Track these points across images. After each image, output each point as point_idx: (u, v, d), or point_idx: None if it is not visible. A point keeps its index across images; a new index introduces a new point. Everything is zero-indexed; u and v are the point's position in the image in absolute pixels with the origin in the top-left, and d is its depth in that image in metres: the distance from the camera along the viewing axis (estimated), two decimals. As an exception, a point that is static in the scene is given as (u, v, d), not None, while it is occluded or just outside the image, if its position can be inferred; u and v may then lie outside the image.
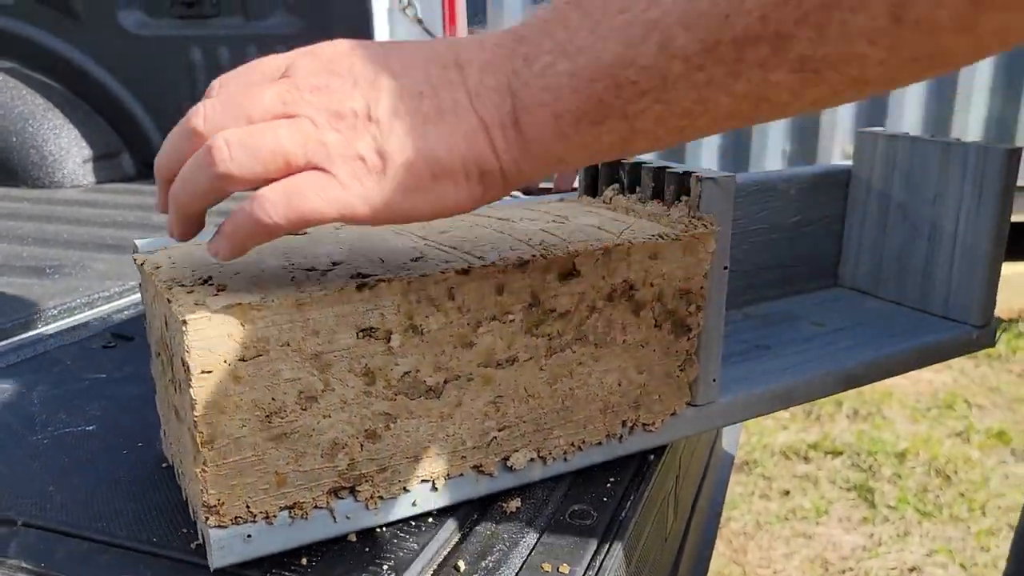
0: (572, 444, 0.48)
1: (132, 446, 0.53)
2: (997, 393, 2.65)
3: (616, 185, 0.56)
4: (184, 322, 0.37)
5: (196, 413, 0.38)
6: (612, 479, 0.49)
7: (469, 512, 0.46)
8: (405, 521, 0.44)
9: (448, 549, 0.43)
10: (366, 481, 0.43)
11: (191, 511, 0.45)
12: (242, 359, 0.38)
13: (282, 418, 0.40)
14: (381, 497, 0.44)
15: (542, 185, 1.05)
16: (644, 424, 0.50)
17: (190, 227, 0.38)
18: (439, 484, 0.45)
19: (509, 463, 0.47)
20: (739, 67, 0.30)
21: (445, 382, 0.43)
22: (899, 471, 2.32)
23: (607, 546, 0.43)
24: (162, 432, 0.51)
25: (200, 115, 0.36)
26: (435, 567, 0.41)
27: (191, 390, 0.38)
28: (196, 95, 1.68)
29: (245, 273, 0.41)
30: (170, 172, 0.38)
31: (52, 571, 0.40)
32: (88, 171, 1.66)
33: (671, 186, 0.51)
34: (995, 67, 2.84)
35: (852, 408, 2.57)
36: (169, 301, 0.39)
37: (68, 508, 0.46)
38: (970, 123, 2.89)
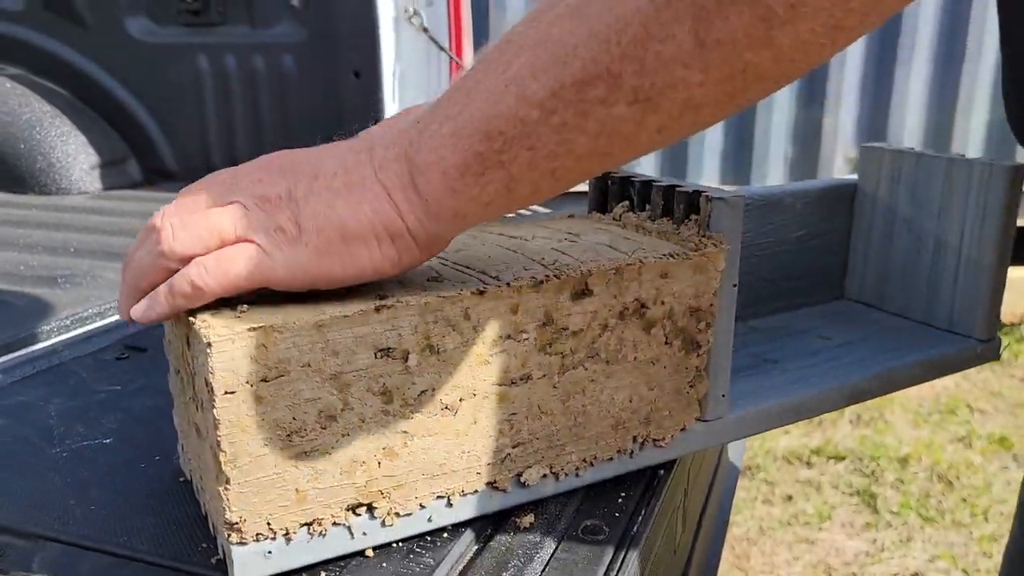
0: (584, 460, 0.49)
1: (149, 459, 0.54)
2: (999, 398, 2.65)
3: (626, 202, 0.57)
4: (209, 344, 0.38)
5: (219, 432, 0.39)
6: (623, 494, 0.50)
7: (483, 527, 0.47)
8: (420, 536, 0.45)
9: (463, 564, 0.44)
10: (383, 497, 0.44)
11: (211, 526, 0.46)
12: (264, 380, 0.39)
13: (302, 437, 0.41)
14: (398, 513, 0.44)
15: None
16: (655, 440, 0.51)
17: (136, 302, 0.43)
18: (454, 500, 0.46)
19: (522, 479, 0.47)
20: (584, 106, 0.34)
21: (461, 400, 0.44)
22: (902, 476, 2.33)
23: (620, 562, 0.44)
24: (180, 447, 0.52)
25: (159, 214, 0.42)
26: (452, 583, 0.42)
27: (215, 410, 0.39)
28: (202, 102, 1.69)
29: (265, 294, 0.42)
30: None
31: (76, 586, 0.41)
32: (95, 178, 1.67)
33: (681, 205, 0.52)
34: (996, 71, 2.84)
35: (854, 413, 2.58)
36: (192, 322, 0.40)
37: (89, 522, 0.47)
38: (971, 129, 2.89)
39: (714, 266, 0.49)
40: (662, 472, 0.53)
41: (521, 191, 0.38)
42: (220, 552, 0.44)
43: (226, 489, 0.40)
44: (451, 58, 1.50)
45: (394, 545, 0.45)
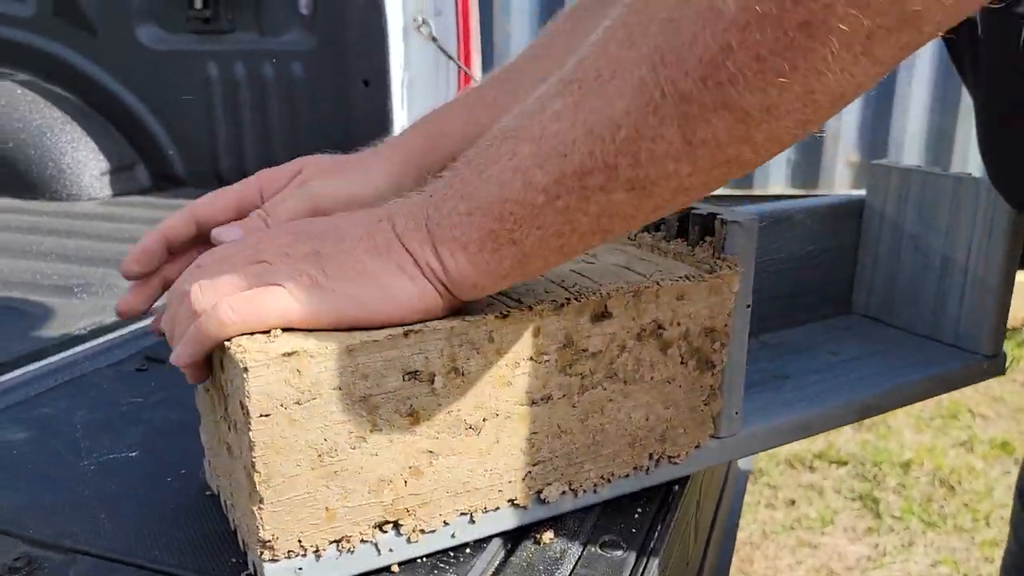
0: (602, 477, 0.50)
1: (175, 473, 0.56)
2: (1001, 403, 2.67)
3: (641, 223, 0.58)
4: (246, 369, 0.39)
5: (254, 454, 0.40)
6: (639, 510, 0.51)
7: (504, 542, 0.48)
8: (444, 552, 0.47)
9: (487, 580, 0.45)
10: (409, 515, 0.45)
11: (240, 542, 0.47)
12: (298, 403, 0.41)
13: (333, 457, 0.42)
14: (422, 530, 0.46)
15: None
16: (670, 456, 0.52)
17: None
18: (477, 517, 0.47)
19: (542, 496, 0.49)
20: (586, 192, 0.38)
21: (484, 420, 0.46)
22: (904, 481, 2.34)
23: (638, 577, 0.45)
24: (206, 462, 0.54)
25: (186, 278, 0.45)
26: (477, 599, 0.43)
27: (250, 432, 0.40)
28: (211, 109, 1.70)
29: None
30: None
31: (113, 601, 0.43)
32: (105, 184, 1.68)
33: (696, 227, 0.53)
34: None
35: (857, 418, 2.58)
36: (227, 347, 0.41)
37: (120, 536, 0.49)
38: (973, 135, 2.90)
39: (729, 288, 0.50)
40: (676, 487, 0.54)
41: (533, 264, 0.41)
42: (250, 567, 0.45)
43: (260, 508, 0.41)
44: (459, 67, 1.52)
45: (418, 560, 0.46)
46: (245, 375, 0.39)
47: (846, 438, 2.55)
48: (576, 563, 0.46)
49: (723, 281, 0.50)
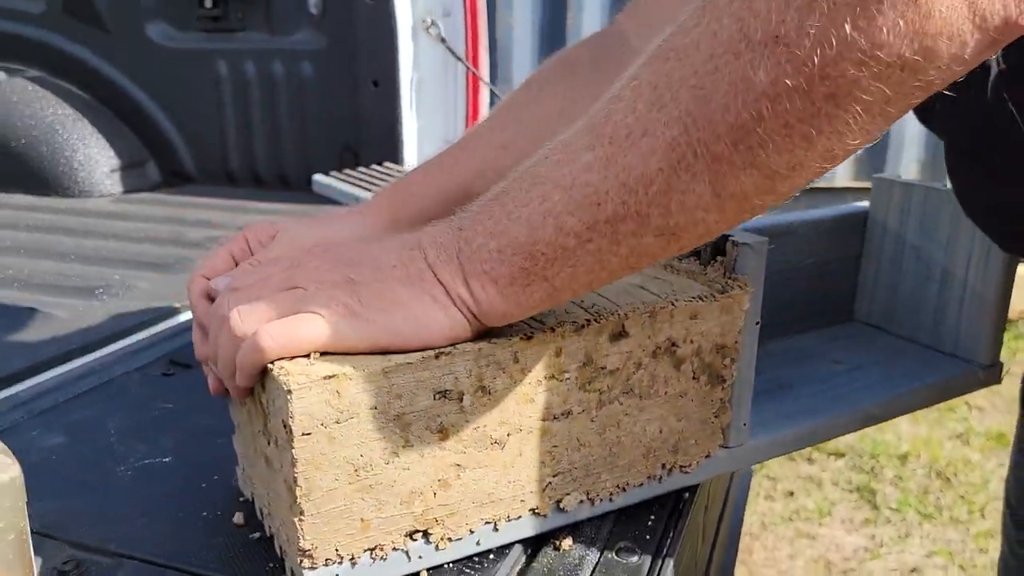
0: (617, 486, 0.53)
1: (209, 479, 0.58)
2: (997, 395, 2.70)
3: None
4: (289, 391, 0.42)
5: (296, 470, 0.43)
6: (652, 516, 0.54)
7: (524, 549, 0.51)
8: (468, 558, 0.49)
9: (510, 585, 0.48)
10: (438, 524, 0.48)
11: (277, 548, 0.50)
12: (337, 422, 0.43)
13: (368, 471, 0.45)
14: (450, 538, 0.48)
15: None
16: (682, 466, 0.55)
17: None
18: (500, 525, 0.50)
19: (561, 505, 0.51)
20: (617, 237, 0.40)
21: (508, 435, 0.48)
22: (900, 473, 2.38)
23: (653, 583, 0.48)
24: (239, 469, 0.56)
25: (223, 302, 0.47)
26: (504, 605, 0.46)
27: (293, 450, 0.42)
28: (221, 107, 1.72)
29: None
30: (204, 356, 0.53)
31: (161, 604, 0.45)
32: (116, 180, 1.70)
33: (708, 247, 0.56)
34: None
35: (855, 410, 2.61)
36: (270, 369, 0.44)
37: (161, 540, 0.51)
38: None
39: (739, 307, 0.53)
40: (687, 494, 0.57)
41: (562, 296, 0.44)
42: (288, 573, 0.48)
43: (300, 519, 0.44)
44: (468, 68, 1.53)
45: (445, 566, 0.49)
46: (289, 397, 0.41)
47: (844, 431, 2.57)
48: (594, 569, 0.49)
49: (734, 300, 0.52)
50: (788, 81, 0.33)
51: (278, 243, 0.57)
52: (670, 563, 0.51)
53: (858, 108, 0.34)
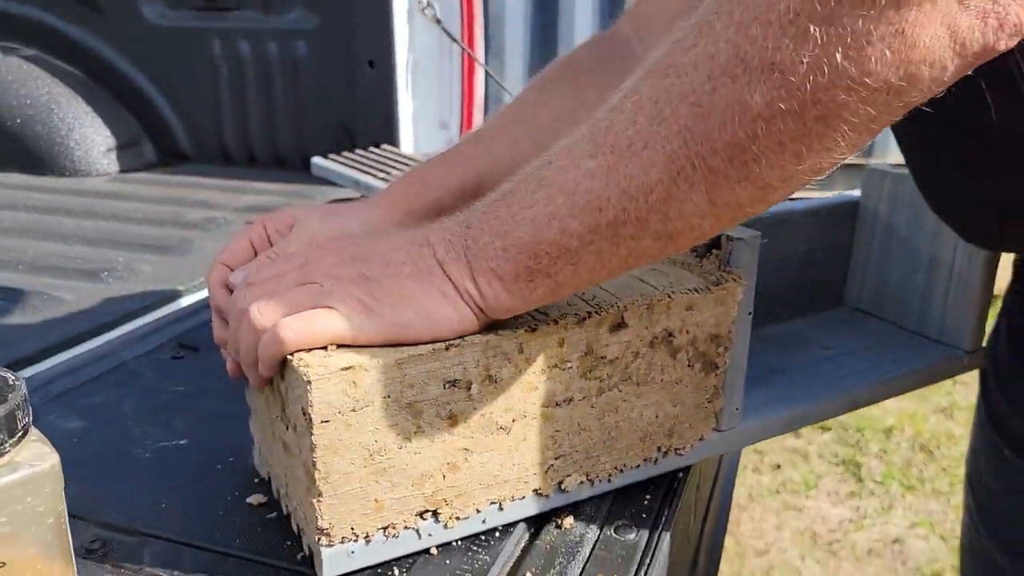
0: (615, 467, 0.56)
1: (224, 461, 0.61)
2: (980, 371, 2.74)
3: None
4: (309, 382, 0.44)
5: (315, 455, 0.45)
6: (648, 496, 0.57)
7: (528, 527, 0.54)
8: (475, 537, 0.52)
9: (514, 561, 0.51)
10: (446, 504, 0.51)
11: (294, 526, 0.52)
12: (353, 410, 0.46)
13: (382, 456, 0.47)
14: (458, 517, 0.51)
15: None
16: (676, 449, 0.58)
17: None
18: (505, 505, 0.53)
19: (563, 486, 0.54)
20: (617, 239, 0.43)
21: (513, 421, 0.51)
22: (885, 446, 2.43)
23: (649, 559, 0.51)
24: (256, 450, 0.59)
25: (241, 296, 0.50)
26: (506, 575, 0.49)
27: (312, 436, 0.45)
28: (216, 86, 1.72)
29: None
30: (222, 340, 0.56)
31: (186, 579, 0.48)
32: (112, 160, 1.71)
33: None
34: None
35: (842, 385, 2.66)
36: (290, 360, 0.46)
37: (183, 520, 0.54)
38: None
39: (733, 299, 0.55)
40: (681, 475, 0.60)
41: (564, 291, 0.47)
42: (306, 550, 0.51)
43: (319, 501, 0.46)
44: (463, 49, 1.54)
45: (453, 544, 0.52)
46: (308, 387, 0.44)
47: (831, 406, 2.62)
48: (594, 546, 0.52)
49: (728, 293, 0.55)
50: (782, 105, 0.36)
51: (295, 235, 0.59)
52: (665, 539, 0.54)
53: (846, 127, 0.36)
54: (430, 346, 0.47)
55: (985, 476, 0.79)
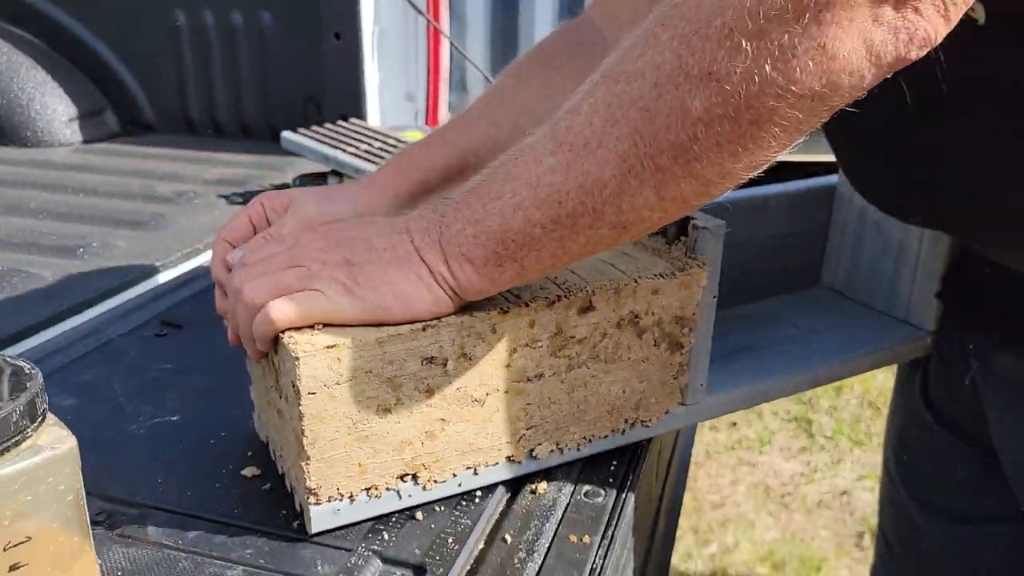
0: (584, 438, 0.61)
1: (217, 436, 0.65)
2: (926, 330, 2.85)
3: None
4: (297, 358, 0.49)
5: (303, 423, 0.51)
6: (615, 462, 0.63)
7: (506, 491, 0.59)
8: (457, 502, 0.57)
9: (493, 523, 0.56)
10: (425, 469, 0.56)
11: (288, 485, 0.59)
12: (337, 383, 0.51)
13: (365, 425, 0.53)
14: (435, 481, 0.57)
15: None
16: (643, 421, 0.63)
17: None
18: (480, 470, 0.58)
19: (534, 453, 0.60)
20: (577, 228, 0.49)
21: (487, 394, 0.56)
22: (836, 403, 2.53)
23: (615, 519, 0.57)
24: (255, 415, 0.66)
25: (237, 276, 0.55)
26: (486, 538, 0.54)
27: (300, 406, 0.51)
28: (181, 56, 1.72)
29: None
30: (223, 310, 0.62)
31: (188, 547, 0.53)
32: (75, 130, 1.71)
33: (672, 227, 0.63)
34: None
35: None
36: (281, 337, 0.50)
37: (183, 492, 0.59)
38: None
39: (698, 283, 0.60)
40: (645, 443, 0.65)
41: (530, 275, 0.53)
42: (298, 508, 0.56)
43: (307, 464, 0.52)
44: (428, 22, 1.55)
45: (437, 509, 0.57)
46: (297, 362, 0.49)
47: (785, 365, 2.71)
48: (566, 509, 0.58)
49: (692, 278, 0.60)
50: (719, 110, 0.42)
51: (291, 216, 0.64)
52: (631, 501, 0.60)
53: (777, 129, 0.43)
54: (409, 326, 0.52)
55: (910, 443, 0.86)
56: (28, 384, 0.43)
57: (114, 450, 0.64)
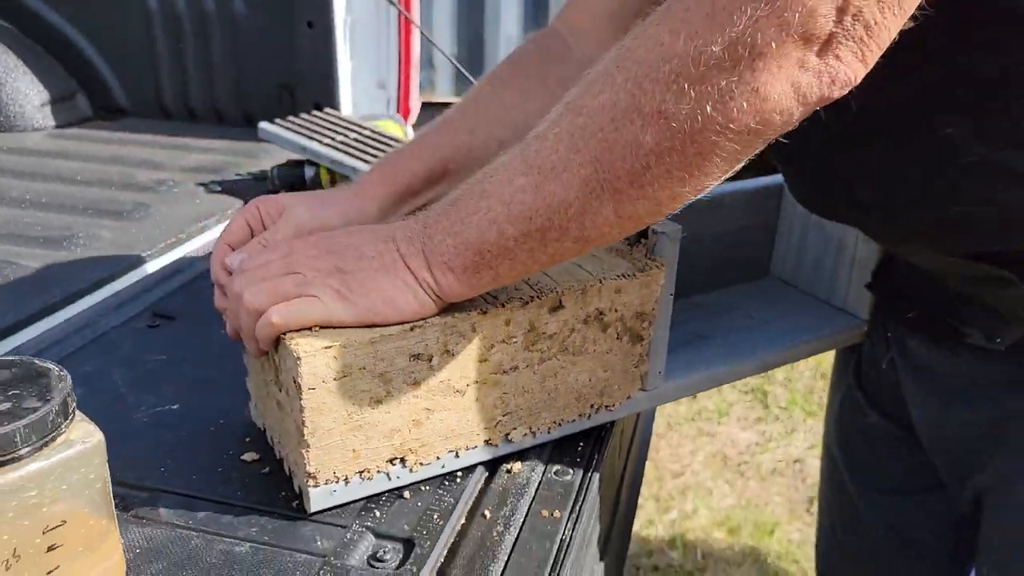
0: (554, 422, 0.67)
1: (216, 423, 0.70)
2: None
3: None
4: (298, 358, 0.54)
5: (304, 415, 0.56)
6: (581, 443, 0.69)
7: (483, 473, 0.65)
8: (441, 482, 0.63)
9: (473, 500, 0.62)
10: (412, 453, 0.62)
11: (286, 469, 0.64)
12: (334, 379, 0.56)
13: (359, 415, 0.58)
14: (421, 463, 0.63)
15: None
16: (607, 406, 0.70)
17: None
18: (461, 453, 0.64)
19: (509, 437, 0.66)
20: (545, 242, 0.55)
21: (467, 385, 0.62)
22: (790, 376, 2.64)
23: (583, 495, 0.63)
24: (251, 404, 0.71)
25: (238, 281, 0.60)
26: (468, 514, 0.60)
27: (301, 400, 0.56)
28: (153, 42, 1.72)
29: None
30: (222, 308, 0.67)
31: (199, 526, 0.58)
32: (47, 114, 1.71)
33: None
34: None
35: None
36: (283, 339, 0.55)
37: (188, 476, 0.64)
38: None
39: (656, 283, 0.66)
40: (608, 426, 0.71)
41: (504, 280, 0.59)
42: (297, 490, 0.61)
43: (307, 451, 0.57)
44: (400, 12, 1.58)
45: (422, 488, 0.63)
46: (298, 361, 0.54)
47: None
48: (538, 486, 0.64)
49: (652, 278, 0.66)
50: (667, 144, 0.48)
51: (284, 222, 0.69)
52: (596, 478, 0.66)
53: (718, 159, 0.49)
54: (398, 327, 0.58)
55: (846, 423, 0.94)
56: (60, 386, 0.48)
57: (121, 438, 0.68)
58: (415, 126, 1.75)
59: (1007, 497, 0.74)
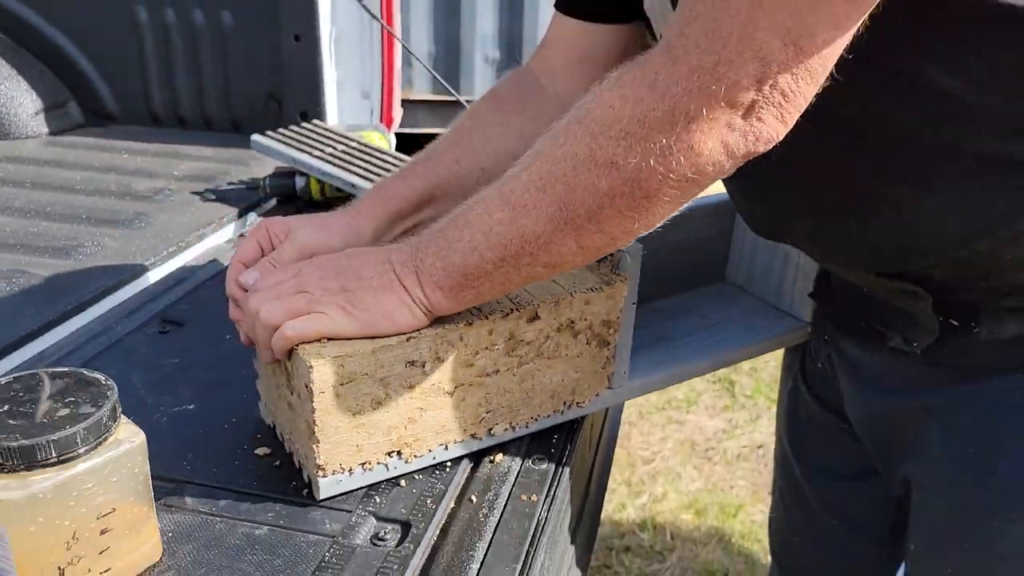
0: (532, 417, 0.76)
1: (230, 421, 0.78)
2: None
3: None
4: (311, 367, 0.62)
5: (315, 416, 0.64)
6: (556, 435, 0.78)
7: (469, 463, 0.73)
8: (432, 471, 0.71)
9: (461, 487, 0.70)
10: (407, 447, 0.70)
11: (296, 462, 0.72)
12: (341, 384, 0.64)
13: (361, 414, 0.67)
14: (415, 456, 0.71)
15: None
16: (578, 403, 0.78)
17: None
18: (450, 446, 0.73)
19: (492, 432, 0.74)
20: (519, 266, 0.64)
21: (456, 387, 0.70)
22: (756, 365, 2.74)
23: (557, 481, 0.72)
24: (262, 403, 0.78)
25: (255, 299, 0.68)
26: (456, 499, 0.68)
27: (312, 403, 0.64)
28: (143, 52, 1.78)
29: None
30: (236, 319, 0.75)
31: (221, 513, 0.66)
32: (41, 121, 1.76)
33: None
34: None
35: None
36: (295, 349, 0.63)
37: (209, 469, 0.72)
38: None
39: (620, 294, 0.75)
40: (579, 420, 0.80)
41: (486, 297, 0.69)
42: (306, 479, 0.70)
43: (317, 446, 0.66)
44: (383, 26, 1.65)
45: (416, 477, 0.71)
46: (310, 369, 0.63)
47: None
48: (518, 474, 0.73)
49: (617, 290, 0.75)
50: (619, 189, 0.58)
51: (291, 244, 0.76)
52: (568, 467, 0.75)
53: (662, 202, 0.59)
54: (396, 338, 0.66)
55: (793, 415, 1.04)
56: (108, 393, 0.56)
57: (146, 435, 0.75)
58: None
59: (928, 478, 0.84)
